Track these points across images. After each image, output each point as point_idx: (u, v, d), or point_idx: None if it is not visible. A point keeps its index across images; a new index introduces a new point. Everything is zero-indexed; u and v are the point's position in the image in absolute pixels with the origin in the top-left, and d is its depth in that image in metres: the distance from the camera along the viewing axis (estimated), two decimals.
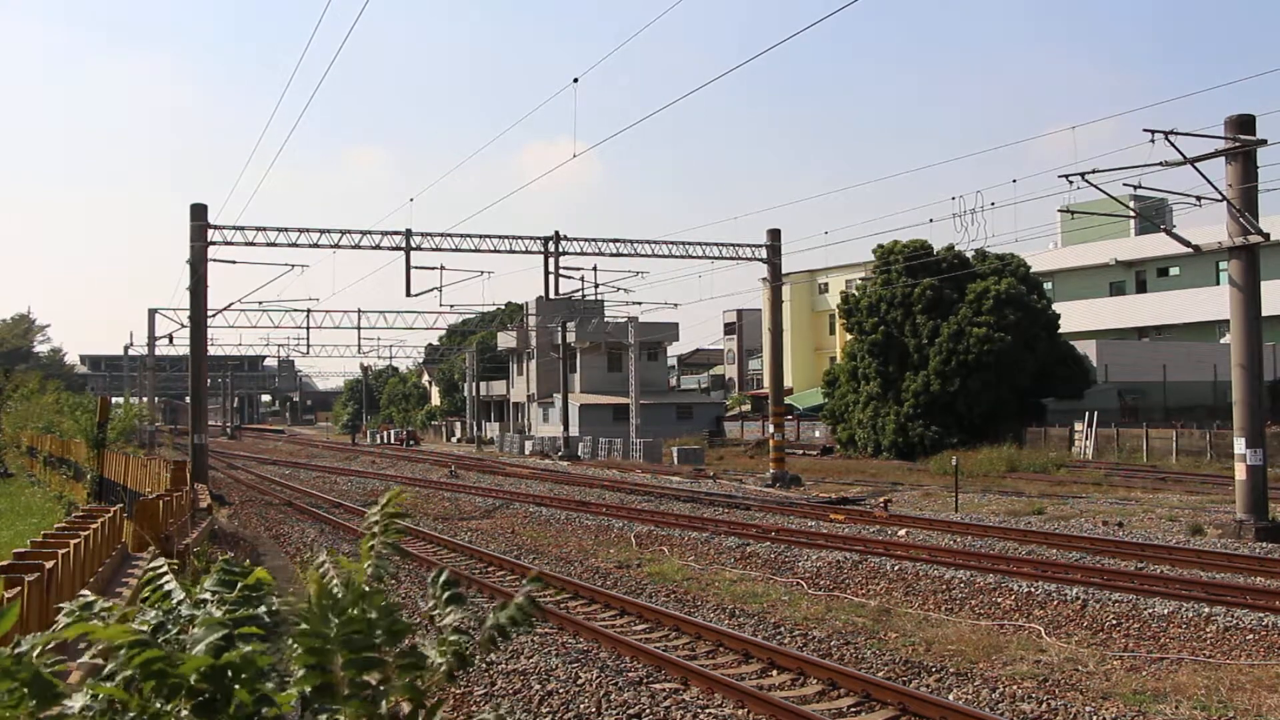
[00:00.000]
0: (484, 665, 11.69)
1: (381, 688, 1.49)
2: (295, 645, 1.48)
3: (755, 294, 65.15)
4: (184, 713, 1.40)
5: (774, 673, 11.32)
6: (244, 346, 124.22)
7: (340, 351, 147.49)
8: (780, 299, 38.55)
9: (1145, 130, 20.66)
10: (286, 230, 32.87)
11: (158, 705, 1.38)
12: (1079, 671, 11.54)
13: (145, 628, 1.50)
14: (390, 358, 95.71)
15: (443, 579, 1.64)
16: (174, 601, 1.61)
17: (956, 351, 43.96)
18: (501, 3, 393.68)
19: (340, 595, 1.51)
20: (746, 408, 70.61)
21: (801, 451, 50.66)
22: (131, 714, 1.37)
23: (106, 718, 1.39)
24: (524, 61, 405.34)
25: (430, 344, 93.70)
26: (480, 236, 35.14)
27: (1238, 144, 20.96)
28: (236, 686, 1.43)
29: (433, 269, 36.31)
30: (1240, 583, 15.28)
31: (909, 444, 45.05)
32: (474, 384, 76.35)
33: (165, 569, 1.70)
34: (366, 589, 1.52)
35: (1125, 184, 22.97)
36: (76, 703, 1.38)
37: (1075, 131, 32.22)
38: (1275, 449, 26.85)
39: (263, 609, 1.58)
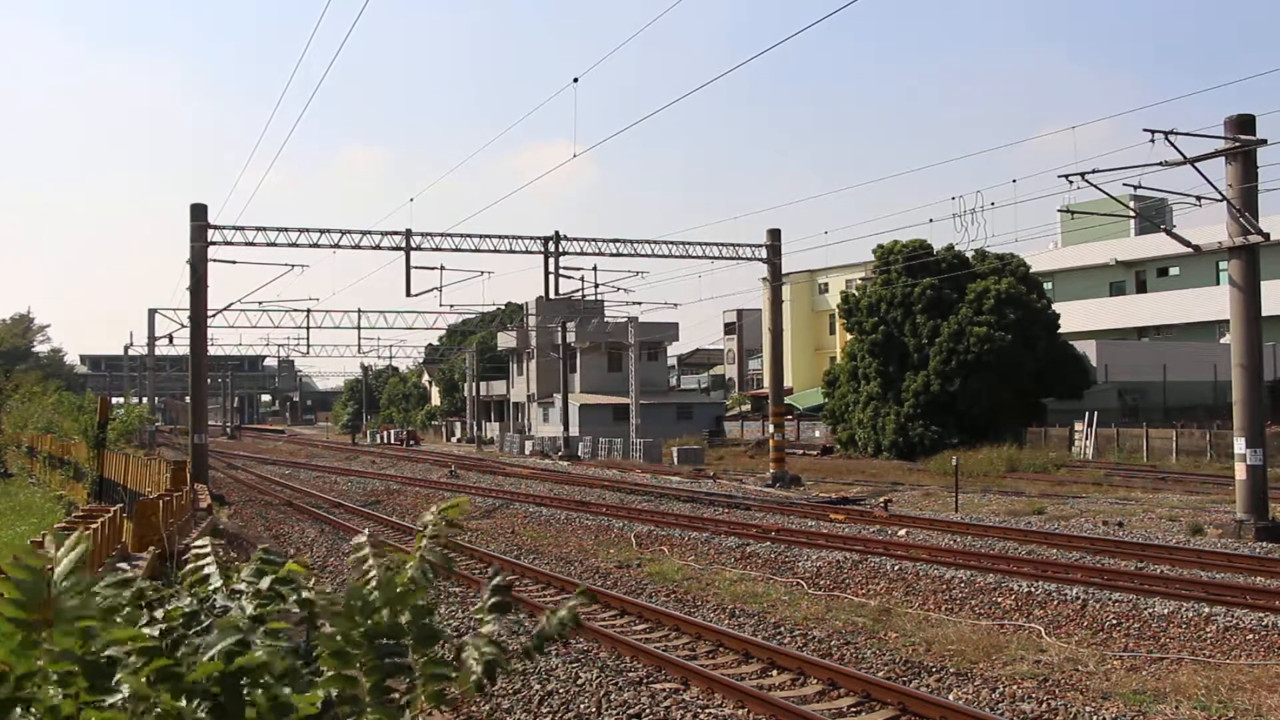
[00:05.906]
0: None
1: (406, 697, 1.45)
2: (323, 644, 1.45)
3: (755, 294, 65.16)
4: (201, 714, 1.39)
5: (774, 673, 11.32)
6: (244, 346, 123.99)
7: (340, 351, 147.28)
8: (780, 299, 38.55)
9: (1145, 130, 20.62)
10: (286, 230, 32.88)
11: (180, 704, 1.38)
12: (1079, 671, 11.54)
13: (159, 629, 1.47)
14: (390, 358, 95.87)
15: (495, 582, 1.57)
16: (210, 589, 1.58)
17: (956, 351, 43.96)
18: (501, 3, 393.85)
19: (373, 596, 1.45)
20: (746, 408, 70.60)
21: (801, 451, 50.65)
22: (157, 710, 1.37)
23: (137, 712, 1.37)
24: (524, 61, 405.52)
25: (430, 344, 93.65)
26: (480, 236, 35.18)
27: (1238, 144, 20.95)
28: (254, 690, 1.40)
29: (433, 269, 36.37)
30: (1240, 583, 15.28)
31: (909, 444, 45.04)
32: (474, 384, 76.34)
33: (208, 548, 1.68)
34: (401, 589, 1.47)
35: (1125, 184, 22.97)
36: (124, 691, 1.36)
37: (1075, 131, 32.38)
38: (1275, 449, 26.83)
39: (293, 600, 1.54)
